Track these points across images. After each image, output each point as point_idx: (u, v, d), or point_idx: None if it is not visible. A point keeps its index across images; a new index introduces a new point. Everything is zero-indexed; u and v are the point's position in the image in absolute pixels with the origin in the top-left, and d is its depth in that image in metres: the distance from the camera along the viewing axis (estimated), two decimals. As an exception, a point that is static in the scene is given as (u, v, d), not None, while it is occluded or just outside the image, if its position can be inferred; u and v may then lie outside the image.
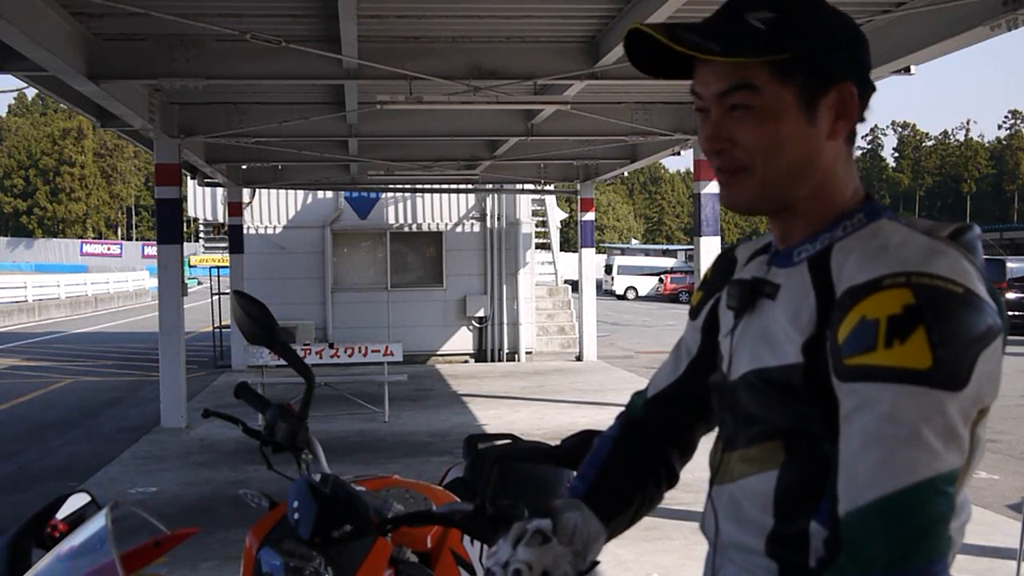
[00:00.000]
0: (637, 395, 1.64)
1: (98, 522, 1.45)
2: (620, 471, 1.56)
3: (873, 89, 1.30)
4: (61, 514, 1.74)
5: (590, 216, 17.53)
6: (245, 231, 16.87)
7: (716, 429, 1.47)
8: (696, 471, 1.62)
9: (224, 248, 18.70)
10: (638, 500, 1.55)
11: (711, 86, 1.27)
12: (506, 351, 17.89)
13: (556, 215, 21.66)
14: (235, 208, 16.67)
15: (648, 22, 1.28)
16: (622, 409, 1.66)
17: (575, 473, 1.62)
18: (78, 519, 1.72)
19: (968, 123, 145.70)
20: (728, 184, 1.30)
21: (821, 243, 1.27)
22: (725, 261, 1.49)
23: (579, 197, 17.52)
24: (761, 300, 1.32)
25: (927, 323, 1.09)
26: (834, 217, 1.28)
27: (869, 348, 1.11)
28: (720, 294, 1.45)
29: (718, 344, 1.44)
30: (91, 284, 44.50)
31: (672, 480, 1.60)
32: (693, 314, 1.54)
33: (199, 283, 44.04)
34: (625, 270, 47.91)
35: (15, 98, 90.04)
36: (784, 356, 1.24)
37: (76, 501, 1.78)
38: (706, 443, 1.53)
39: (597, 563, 1.52)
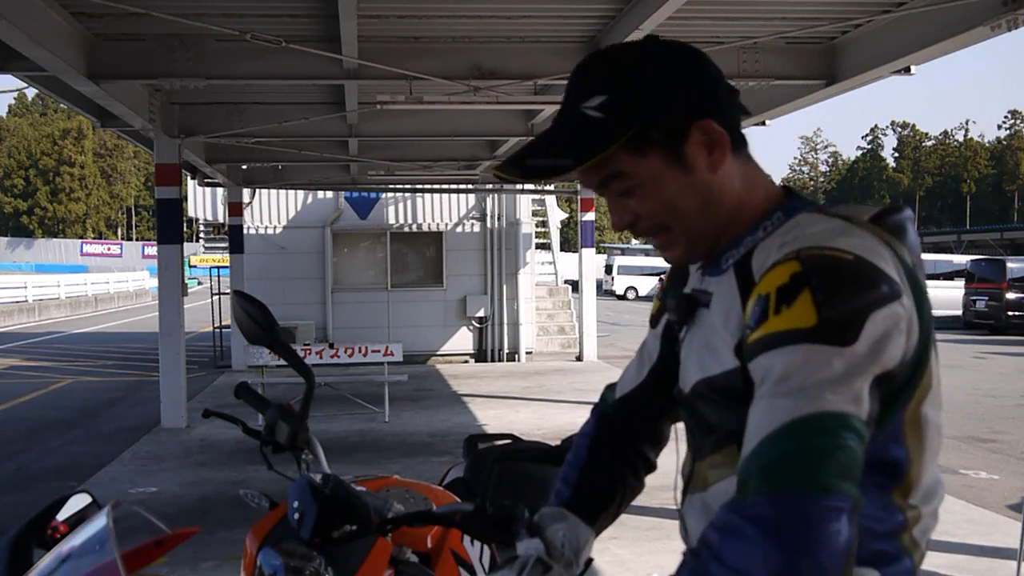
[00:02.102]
0: (608, 389, 1.68)
1: (99, 522, 1.45)
2: (600, 470, 1.60)
3: (734, 93, 1.32)
4: (62, 515, 1.74)
5: (590, 216, 17.52)
6: (245, 231, 16.86)
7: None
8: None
9: (224, 248, 18.71)
10: (620, 494, 1.60)
11: (587, 183, 1.32)
12: (506, 351, 17.89)
13: (556, 215, 21.65)
14: (235, 208, 16.67)
15: (505, 161, 1.30)
16: (595, 402, 1.70)
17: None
18: (79, 520, 1.72)
19: (968, 123, 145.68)
20: (663, 247, 1.36)
21: (744, 247, 1.29)
22: (679, 269, 1.51)
23: (579, 197, 17.51)
24: (700, 310, 1.35)
25: (811, 285, 1.11)
26: (753, 221, 1.30)
27: (763, 320, 1.14)
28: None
29: (676, 353, 1.46)
30: (91, 284, 44.50)
31: (649, 468, 1.65)
32: (653, 322, 1.57)
33: (199, 283, 44.01)
34: (625, 270, 47.90)
35: (15, 98, 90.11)
36: (724, 362, 1.26)
37: (77, 502, 1.78)
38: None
39: (591, 560, 1.55)
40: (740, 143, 1.31)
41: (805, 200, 1.34)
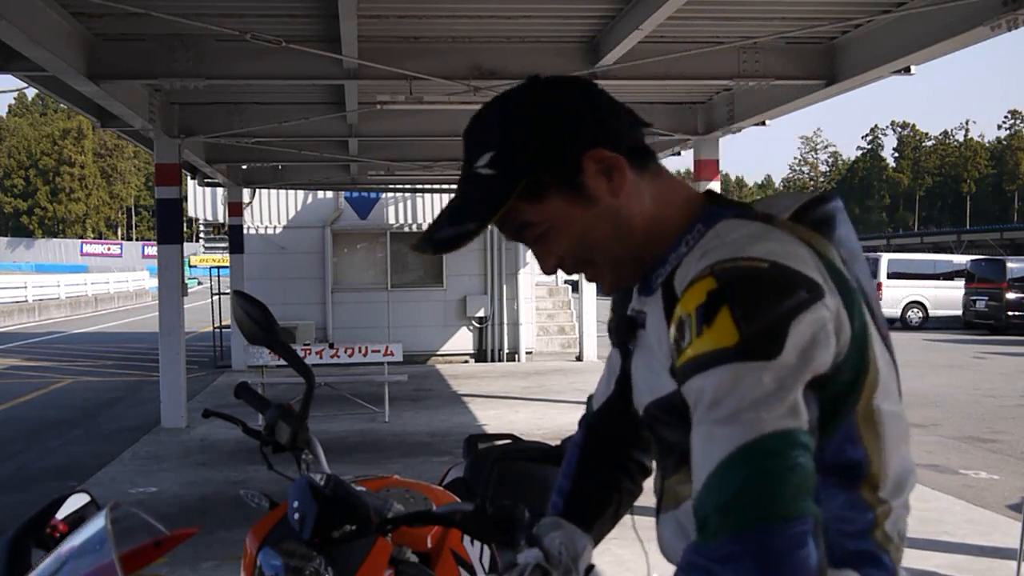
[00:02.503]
0: (590, 398, 1.69)
1: (98, 523, 1.45)
2: (591, 478, 1.61)
3: (621, 112, 1.29)
4: (61, 514, 1.74)
5: (590, 216, 17.50)
6: (245, 231, 16.87)
7: None
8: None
9: (224, 248, 18.72)
10: (616, 499, 1.61)
11: (506, 235, 1.33)
12: (506, 351, 17.89)
13: (556, 215, 21.65)
14: (235, 208, 16.67)
15: (420, 238, 1.31)
16: (583, 412, 1.71)
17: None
18: (78, 519, 1.72)
19: (968, 123, 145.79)
20: (592, 280, 1.36)
21: (670, 264, 1.27)
22: (624, 290, 1.50)
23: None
24: (640, 331, 1.34)
25: (729, 302, 1.09)
26: (675, 237, 1.28)
27: (687, 344, 1.12)
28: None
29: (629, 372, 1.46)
30: (91, 284, 44.53)
31: (644, 471, 1.65)
32: (609, 332, 1.55)
33: (199, 283, 44.03)
34: (625, 270, 47.92)
35: (15, 98, 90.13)
36: (665, 384, 1.25)
37: (76, 501, 1.78)
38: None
39: (592, 567, 1.56)
40: (644, 160, 1.29)
41: (726, 204, 1.31)
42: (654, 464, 1.46)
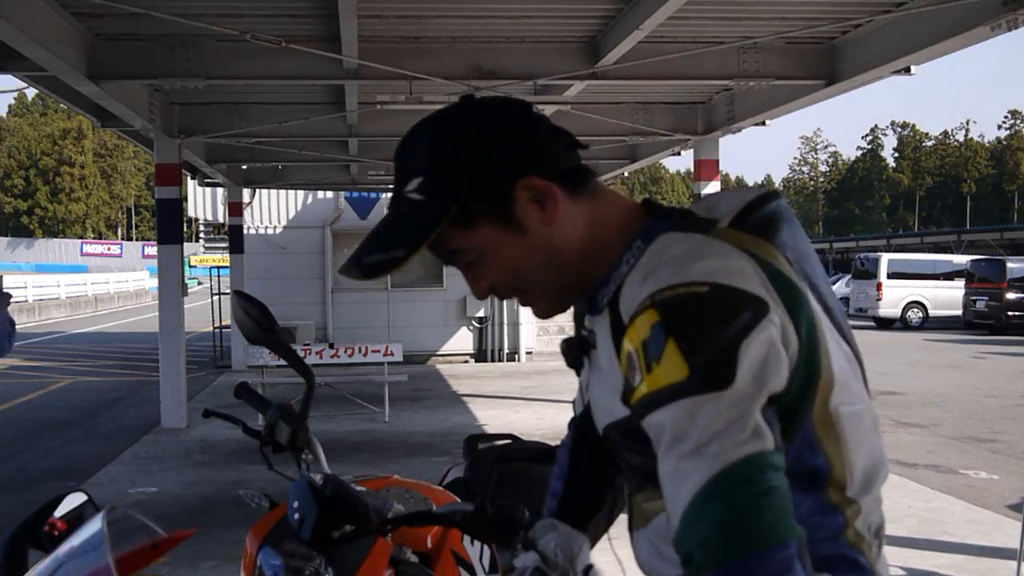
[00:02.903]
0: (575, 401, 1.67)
1: (94, 525, 1.45)
2: (583, 477, 1.61)
3: (555, 134, 1.27)
4: (58, 513, 1.74)
5: (590, 216, 17.51)
6: (245, 231, 16.87)
7: None
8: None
9: (224, 248, 18.72)
10: (609, 497, 1.60)
11: (438, 258, 1.30)
12: (506, 351, 17.89)
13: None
14: (235, 208, 16.67)
15: (347, 262, 1.29)
16: (571, 414, 1.70)
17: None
18: (76, 517, 1.72)
19: (968, 123, 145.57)
20: (526, 305, 1.34)
21: (614, 283, 1.24)
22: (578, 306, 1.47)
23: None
24: (592, 351, 1.32)
25: (674, 334, 1.07)
26: (615, 255, 1.25)
27: (639, 381, 1.10)
28: None
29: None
30: (91, 284, 44.53)
31: None
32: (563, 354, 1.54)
33: (199, 283, 44.03)
34: (625, 270, 47.94)
35: (15, 98, 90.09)
36: (619, 408, 1.21)
37: (73, 500, 1.78)
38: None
39: (591, 567, 1.55)
40: (579, 183, 1.26)
41: (664, 215, 1.27)
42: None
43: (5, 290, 4.31)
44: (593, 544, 1.59)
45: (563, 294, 1.30)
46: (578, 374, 1.43)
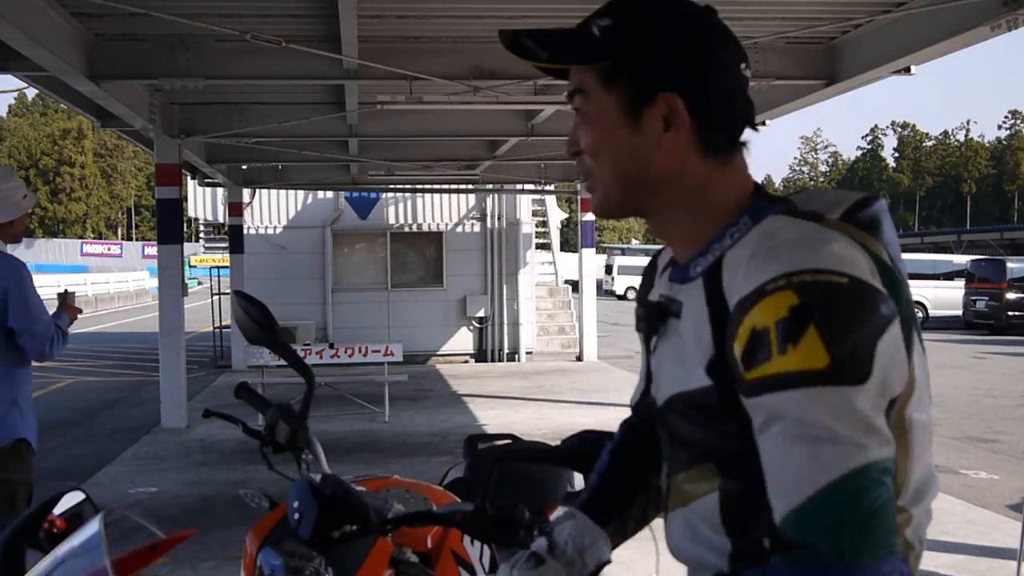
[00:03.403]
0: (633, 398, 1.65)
1: (92, 527, 1.45)
2: (620, 475, 1.58)
3: (738, 98, 1.28)
4: (57, 511, 1.74)
5: (590, 216, 17.50)
6: (245, 231, 16.86)
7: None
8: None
9: (224, 248, 18.71)
10: (642, 499, 1.56)
11: (567, 85, 1.31)
12: (506, 351, 17.89)
13: (556, 215, 21.65)
14: (235, 208, 16.67)
15: (515, 30, 1.29)
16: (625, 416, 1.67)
17: (575, 474, 1.64)
18: (74, 515, 1.72)
19: (968, 123, 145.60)
20: (588, 189, 1.33)
21: (712, 255, 1.23)
22: (650, 268, 1.46)
23: (579, 197, 17.50)
24: (670, 320, 1.30)
25: (816, 321, 1.06)
26: (718, 226, 1.25)
27: (765, 358, 1.08)
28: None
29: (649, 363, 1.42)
30: (91, 284, 44.50)
31: None
32: (637, 325, 1.50)
33: (199, 283, 44.01)
34: (625, 270, 47.87)
35: (15, 98, 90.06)
36: (696, 379, 1.21)
37: (71, 498, 1.78)
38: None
39: (606, 563, 1.53)
40: (715, 146, 1.26)
41: (772, 199, 1.27)
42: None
43: (70, 291, 4.40)
44: (616, 543, 1.56)
45: (613, 205, 1.31)
46: (647, 343, 1.39)
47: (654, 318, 1.33)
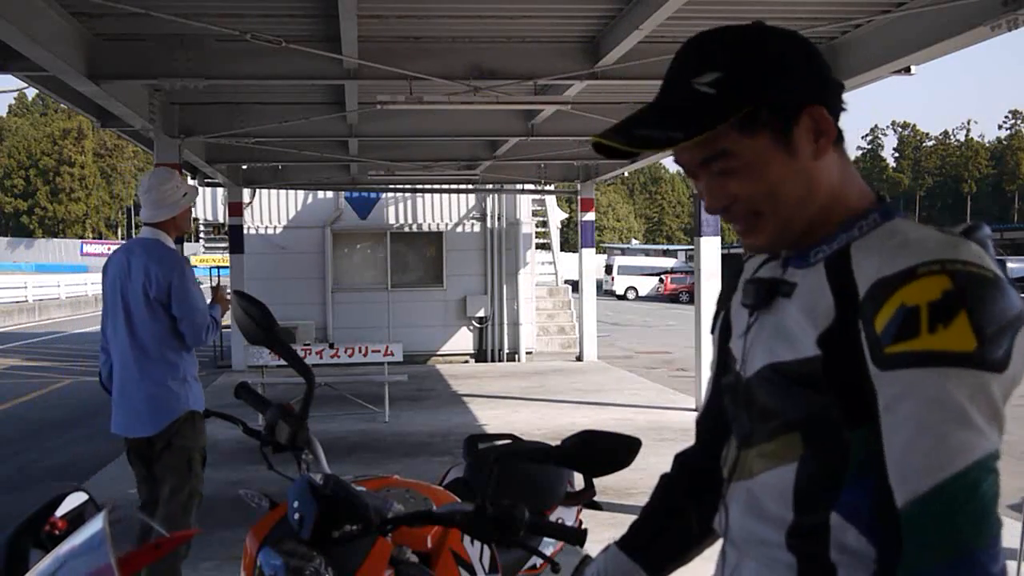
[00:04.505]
0: (696, 425, 1.66)
1: (96, 524, 1.45)
2: (662, 508, 1.61)
3: (840, 87, 1.31)
4: (60, 512, 1.74)
5: (590, 216, 17.52)
6: (245, 231, 16.86)
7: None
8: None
9: (224, 248, 18.72)
10: (680, 533, 1.58)
11: (690, 158, 1.30)
12: (506, 351, 17.89)
13: (556, 215, 21.66)
14: (235, 208, 16.67)
15: (608, 130, 1.27)
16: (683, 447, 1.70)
17: (575, 474, 1.65)
18: (77, 516, 1.72)
19: (968, 123, 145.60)
20: (747, 233, 1.34)
21: (838, 243, 1.28)
22: (735, 273, 1.52)
23: (579, 197, 17.51)
24: (777, 299, 1.33)
25: (968, 307, 1.11)
26: (846, 219, 1.29)
27: (912, 335, 1.12)
28: (730, 303, 1.48)
29: (729, 349, 1.45)
30: (91, 284, 44.47)
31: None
32: (712, 328, 1.56)
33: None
34: (625, 270, 47.94)
35: (15, 98, 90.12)
36: (801, 350, 1.25)
37: (74, 499, 1.78)
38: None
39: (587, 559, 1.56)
40: (840, 137, 1.31)
41: (896, 206, 1.33)
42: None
43: (221, 284, 4.76)
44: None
45: (793, 232, 1.31)
46: (752, 315, 1.39)
47: (763, 294, 1.36)
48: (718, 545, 1.48)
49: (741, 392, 1.39)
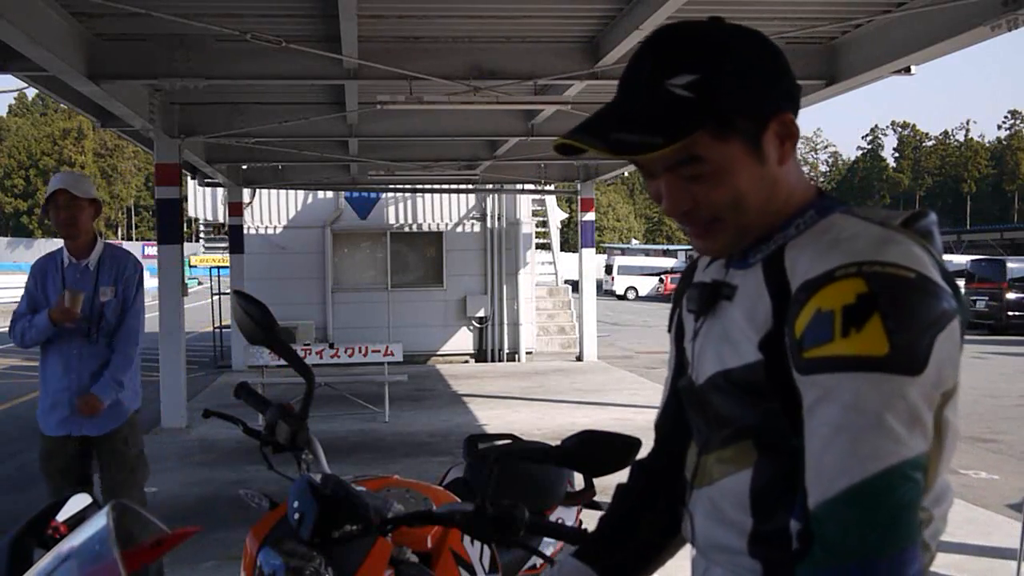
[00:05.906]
0: (656, 427, 1.65)
1: (99, 522, 1.45)
2: (617, 517, 1.57)
3: (799, 88, 1.30)
4: (62, 516, 1.74)
5: (590, 216, 17.52)
6: (245, 231, 16.86)
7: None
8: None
9: (224, 248, 18.71)
10: (640, 542, 1.55)
11: (657, 163, 1.25)
12: (506, 351, 17.89)
13: (556, 215, 21.65)
14: (235, 208, 16.67)
15: (576, 130, 1.22)
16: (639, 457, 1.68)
17: (575, 474, 1.64)
18: (79, 520, 1.71)
19: (968, 123, 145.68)
20: (702, 236, 1.31)
21: (775, 243, 1.27)
22: (689, 270, 1.50)
23: (579, 197, 17.52)
24: (720, 302, 1.32)
25: (882, 310, 1.09)
26: (786, 217, 1.28)
27: (827, 339, 1.11)
28: (683, 303, 1.46)
29: (684, 349, 1.45)
30: (91, 284, 44.41)
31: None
32: (669, 326, 1.55)
33: (199, 283, 44.00)
34: (625, 270, 47.92)
35: (15, 98, 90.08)
36: (745, 355, 1.24)
37: (77, 503, 1.77)
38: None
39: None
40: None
41: (835, 199, 1.31)
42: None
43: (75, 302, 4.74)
44: None
45: (750, 237, 1.29)
46: (698, 320, 1.38)
47: (706, 298, 1.35)
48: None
49: (695, 398, 1.38)
